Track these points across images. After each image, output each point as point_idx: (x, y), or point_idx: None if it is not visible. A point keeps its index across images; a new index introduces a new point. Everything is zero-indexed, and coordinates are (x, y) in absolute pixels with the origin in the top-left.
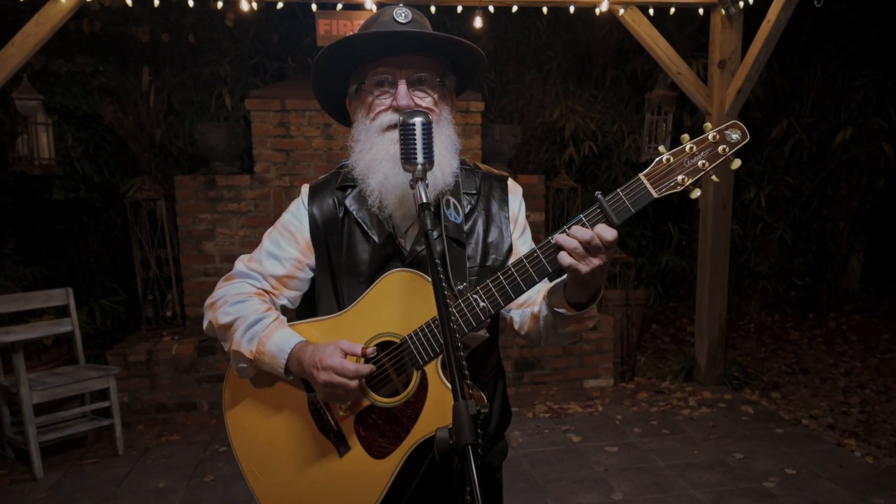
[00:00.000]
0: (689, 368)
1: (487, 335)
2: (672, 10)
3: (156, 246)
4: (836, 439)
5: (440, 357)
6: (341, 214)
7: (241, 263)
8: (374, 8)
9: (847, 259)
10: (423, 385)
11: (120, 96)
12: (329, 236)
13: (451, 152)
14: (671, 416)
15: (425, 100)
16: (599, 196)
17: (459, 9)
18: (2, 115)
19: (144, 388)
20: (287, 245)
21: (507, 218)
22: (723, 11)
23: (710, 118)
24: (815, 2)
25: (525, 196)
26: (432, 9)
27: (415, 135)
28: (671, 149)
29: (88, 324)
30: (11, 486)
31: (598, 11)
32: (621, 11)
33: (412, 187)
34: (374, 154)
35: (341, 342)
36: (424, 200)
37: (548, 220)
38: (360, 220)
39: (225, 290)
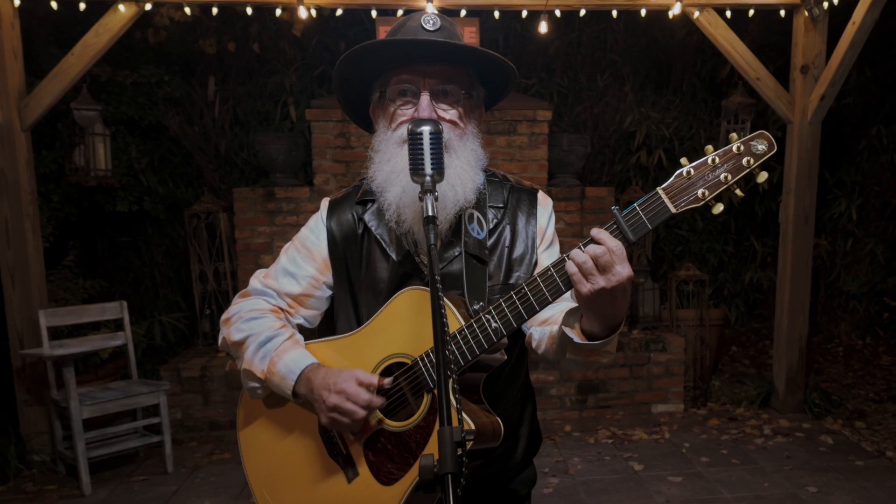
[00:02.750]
0: (766, 394)
1: (505, 357)
2: (751, 12)
3: (214, 259)
4: None
5: (451, 379)
6: (360, 230)
7: (257, 280)
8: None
9: None
10: (434, 409)
11: (185, 107)
12: (348, 253)
13: (474, 168)
14: (743, 444)
15: (449, 112)
16: (615, 211)
17: (524, 13)
18: (61, 125)
19: (197, 404)
20: (303, 262)
21: (535, 232)
22: (806, 13)
23: (791, 127)
24: None
25: (593, 209)
26: (496, 13)
27: (422, 144)
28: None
29: (148, 338)
30: (59, 502)
31: (671, 14)
32: (696, 14)
33: (420, 199)
34: (393, 166)
35: (358, 372)
36: (430, 213)
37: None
38: (378, 237)
39: (240, 307)
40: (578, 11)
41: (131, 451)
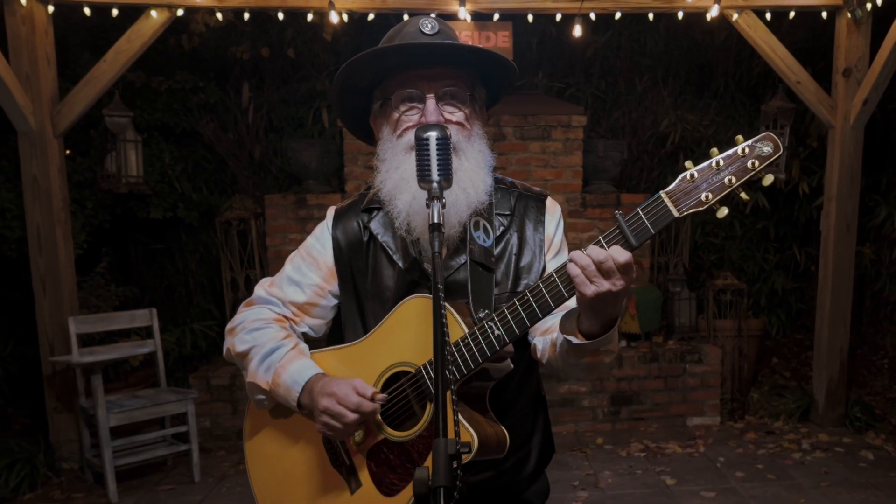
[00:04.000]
0: (805, 408)
1: (511, 366)
2: (791, 14)
3: (245, 266)
4: None
5: (452, 389)
6: (366, 238)
7: (262, 288)
8: (468, 18)
9: None
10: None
11: (219, 113)
12: (353, 261)
13: (483, 169)
14: (780, 459)
15: (455, 115)
16: (618, 215)
17: (558, 16)
18: (93, 132)
19: (226, 413)
20: (309, 271)
21: (542, 240)
22: (848, 14)
23: (833, 132)
24: None
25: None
26: (529, 17)
27: (428, 150)
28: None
29: (180, 346)
30: None
31: (708, 17)
32: (735, 16)
33: (427, 206)
34: (402, 173)
35: (356, 381)
36: (435, 221)
37: (654, 241)
38: (384, 245)
39: (244, 316)
40: (614, 14)
41: (159, 459)
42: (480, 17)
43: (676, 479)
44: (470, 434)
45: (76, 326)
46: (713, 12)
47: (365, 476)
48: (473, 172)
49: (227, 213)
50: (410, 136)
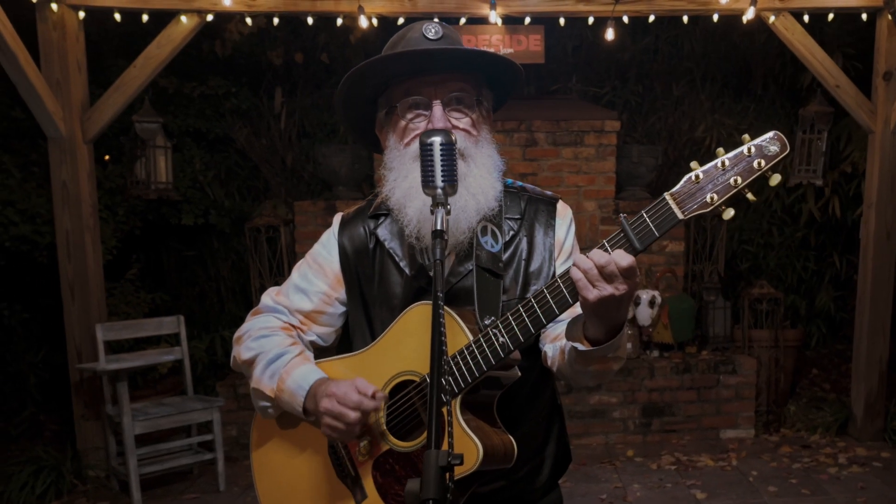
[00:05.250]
0: (843, 421)
1: (519, 374)
2: (830, 16)
3: (274, 273)
4: None
5: (459, 398)
6: (372, 245)
7: (269, 297)
8: (499, 22)
9: None
10: (442, 428)
11: (252, 119)
12: (360, 268)
13: (493, 174)
14: (815, 474)
15: (462, 120)
16: (622, 219)
17: (591, 20)
18: (123, 138)
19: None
20: (315, 278)
21: (552, 244)
22: (889, 16)
23: (873, 137)
24: None
25: None
26: (561, 20)
27: (432, 156)
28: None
29: (210, 354)
30: None
31: (744, 19)
32: (772, 18)
33: (431, 212)
34: (411, 182)
35: (358, 380)
36: (438, 227)
37: (688, 248)
38: (391, 252)
39: (250, 325)
40: (647, 17)
41: (185, 468)
42: (512, 21)
43: (707, 493)
44: (474, 444)
45: (103, 333)
46: (749, 14)
47: (370, 487)
48: (482, 178)
49: (256, 219)
50: (418, 144)
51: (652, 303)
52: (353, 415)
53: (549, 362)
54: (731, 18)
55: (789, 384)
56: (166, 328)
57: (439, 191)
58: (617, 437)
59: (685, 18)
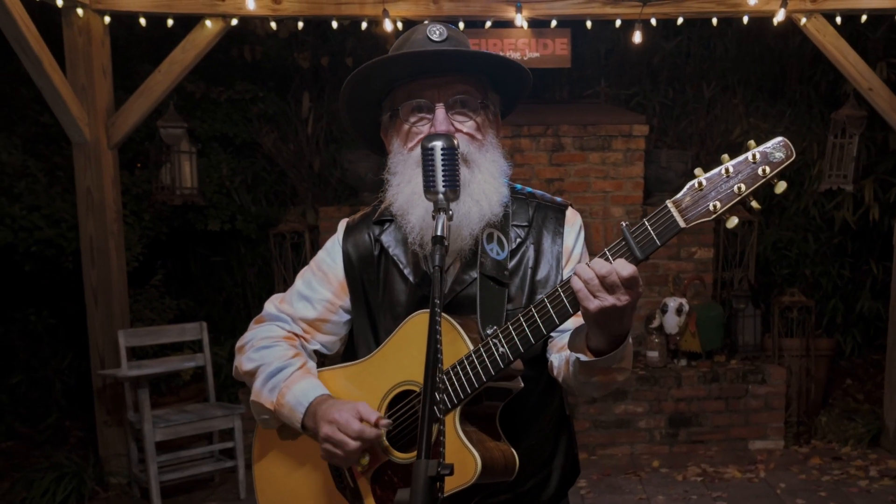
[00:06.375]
0: (875, 432)
1: (521, 385)
2: (863, 18)
3: None
4: None
5: (458, 409)
6: (377, 251)
7: (273, 305)
8: (525, 25)
9: None
10: (441, 439)
11: (280, 123)
12: (365, 275)
13: (498, 179)
14: (844, 487)
15: (466, 124)
16: (624, 227)
17: (618, 22)
18: (148, 144)
19: None
20: (319, 286)
21: (560, 252)
22: None
23: None
24: None
25: (692, 230)
26: (588, 23)
27: (433, 160)
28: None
29: (232, 360)
30: None
31: (775, 21)
32: (803, 20)
33: (433, 218)
34: (414, 187)
35: (360, 404)
36: (439, 233)
37: (717, 256)
38: (395, 259)
39: (253, 334)
40: (675, 20)
41: (206, 475)
42: (538, 25)
43: None
44: (473, 456)
45: (126, 339)
46: (779, 16)
47: (369, 499)
48: (487, 183)
49: (280, 225)
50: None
51: (679, 310)
52: (353, 444)
53: (555, 373)
54: (763, 20)
55: (821, 394)
56: (189, 334)
57: (441, 196)
58: (642, 447)
59: (714, 21)
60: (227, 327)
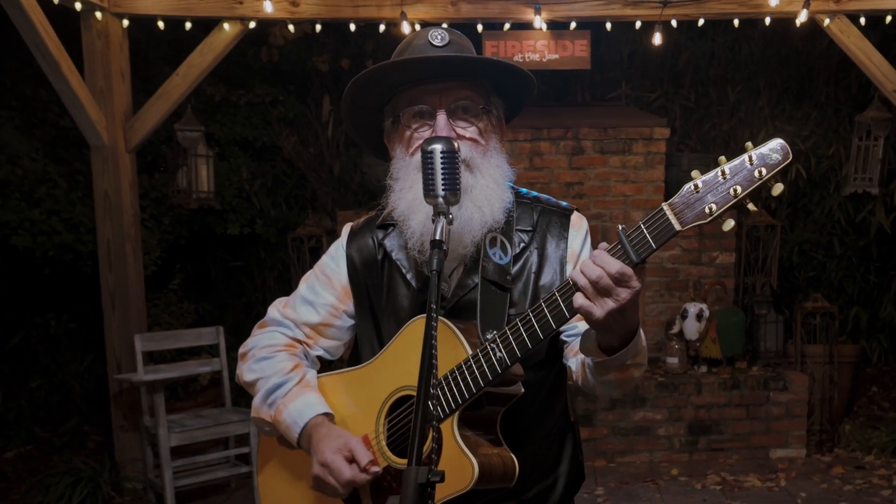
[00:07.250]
0: None
1: (522, 390)
2: (888, 19)
3: None
4: None
5: (457, 414)
6: (380, 256)
7: (276, 309)
8: (544, 27)
9: None
10: (439, 444)
11: (300, 127)
12: (368, 280)
13: (501, 185)
14: (866, 496)
15: (469, 130)
16: (620, 231)
17: (638, 24)
18: (165, 147)
19: None
20: (322, 290)
21: (564, 257)
22: None
23: None
24: None
25: (712, 234)
26: (608, 25)
27: (433, 164)
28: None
29: None
30: None
31: (797, 22)
32: (826, 21)
33: (432, 221)
34: (415, 193)
35: (353, 442)
36: (437, 237)
37: (739, 261)
38: (398, 263)
39: (256, 341)
40: (696, 21)
41: (222, 481)
42: (557, 27)
43: None
44: (470, 462)
45: (142, 344)
46: (802, 17)
47: None
48: (489, 189)
49: (299, 229)
50: None
51: (699, 316)
52: (342, 491)
53: (574, 377)
54: (788, 22)
55: (845, 402)
56: (205, 339)
57: (440, 200)
58: (661, 454)
59: (736, 22)
60: (247, 332)
